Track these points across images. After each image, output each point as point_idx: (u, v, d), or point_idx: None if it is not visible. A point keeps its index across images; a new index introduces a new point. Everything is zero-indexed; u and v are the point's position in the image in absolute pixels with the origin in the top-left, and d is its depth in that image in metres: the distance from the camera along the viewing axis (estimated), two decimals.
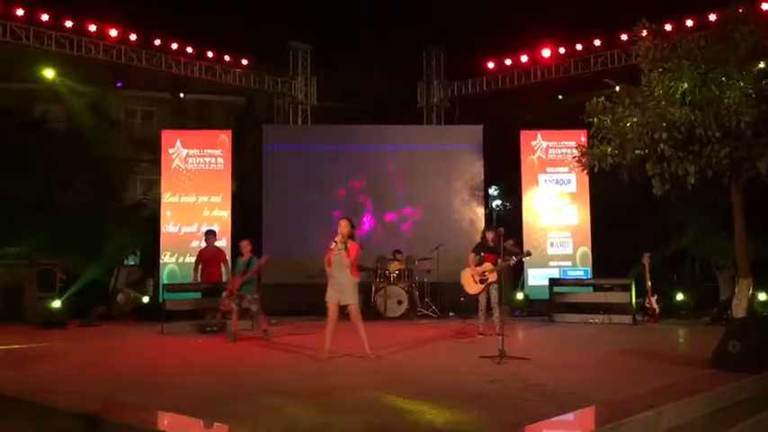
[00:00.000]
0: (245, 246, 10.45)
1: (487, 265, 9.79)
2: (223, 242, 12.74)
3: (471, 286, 9.99)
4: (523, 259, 10.90)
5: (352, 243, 7.97)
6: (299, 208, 14.66)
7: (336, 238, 7.90)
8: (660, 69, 9.68)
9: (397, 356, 8.34)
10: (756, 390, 6.32)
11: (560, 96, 15.95)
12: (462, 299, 11.56)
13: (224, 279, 11.83)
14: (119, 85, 16.33)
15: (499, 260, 9.67)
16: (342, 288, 7.91)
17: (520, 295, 13.62)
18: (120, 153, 18.30)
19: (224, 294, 10.56)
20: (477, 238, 13.13)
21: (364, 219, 14.82)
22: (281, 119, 17.54)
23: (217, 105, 22.07)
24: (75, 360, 8.45)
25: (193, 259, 12.77)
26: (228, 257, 12.29)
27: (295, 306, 13.19)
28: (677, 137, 9.20)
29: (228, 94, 20.61)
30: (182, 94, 16.95)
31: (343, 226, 7.98)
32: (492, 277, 9.75)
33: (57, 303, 12.20)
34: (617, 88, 10.28)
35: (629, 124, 9.59)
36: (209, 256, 11.92)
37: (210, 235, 12.04)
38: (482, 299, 9.97)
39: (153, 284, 14.36)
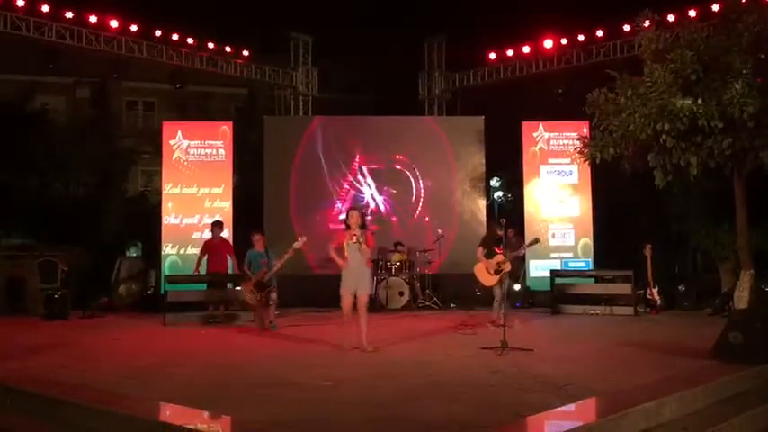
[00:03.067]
0: (259, 238, 10.46)
1: (500, 257, 9.85)
2: (225, 233, 12.73)
3: (486, 278, 10.05)
4: (533, 246, 10.99)
5: (367, 233, 8.07)
6: (301, 199, 14.65)
7: (355, 232, 7.94)
8: (663, 60, 9.64)
9: (398, 348, 8.36)
10: (758, 381, 6.33)
11: (560, 90, 15.88)
12: (479, 293, 11.52)
13: (230, 271, 11.83)
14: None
15: (508, 251, 9.73)
16: (359, 279, 7.96)
17: (516, 287, 13.57)
18: (121, 144, 18.29)
19: (246, 287, 10.33)
20: (479, 230, 13.19)
21: (366, 210, 14.82)
22: (283, 110, 17.50)
23: (218, 97, 22.04)
24: (77, 351, 8.46)
25: (195, 251, 12.80)
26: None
27: (298, 297, 13.20)
28: (679, 128, 9.17)
29: (230, 86, 20.57)
30: (178, 85, 16.90)
31: (356, 217, 8.06)
32: (507, 267, 9.84)
33: (58, 295, 12.21)
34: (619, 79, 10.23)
35: (631, 115, 9.56)
36: (214, 248, 11.94)
37: (217, 226, 12.07)
38: (497, 290, 10.00)
39: (155, 276, 14.36)
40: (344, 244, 8.00)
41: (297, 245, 9.69)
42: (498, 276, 9.92)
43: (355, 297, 7.99)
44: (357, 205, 8.97)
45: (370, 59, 19.21)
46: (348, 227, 8.05)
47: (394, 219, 14.91)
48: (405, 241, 14.02)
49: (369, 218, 14.64)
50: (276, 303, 10.37)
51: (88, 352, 8.43)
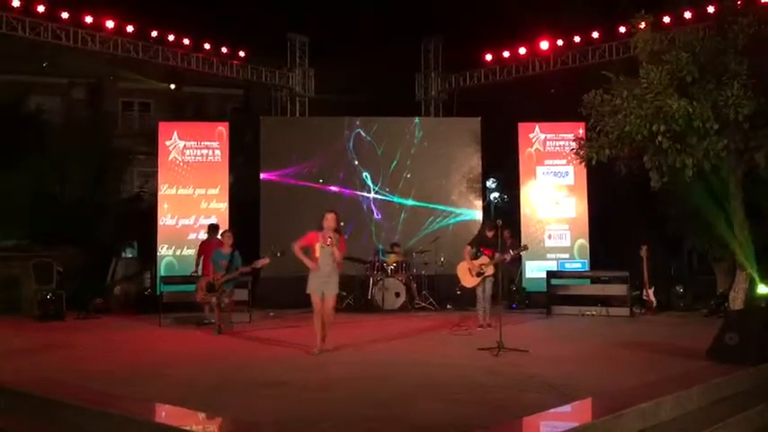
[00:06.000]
0: (229, 237, 10.37)
1: (484, 259, 9.82)
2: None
3: (467, 279, 10.03)
4: (521, 253, 10.96)
5: (340, 237, 8.01)
6: (297, 200, 14.62)
7: (330, 234, 7.88)
8: (658, 61, 9.66)
9: (394, 349, 8.37)
10: (753, 381, 6.35)
11: (555, 91, 15.91)
12: (458, 291, 11.59)
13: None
14: None
15: (496, 254, 9.70)
16: (327, 281, 7.92)
17: (513, 287, 13.59)
18: (117, 145, 18.25)
19: (198, 285, 10.36)
20: (475, 231, 13.14)
21: (363, 210, 14.83)
22: (279, 111, 17.49)
23: (214, 97, 22.01)
24: (73, 352, 8.45)
25: (191, 252, 12.81)
26: None
27: (293, 299, 13.13)
28: (675, 129, 9.19)
29: (226, 86, 20.55)
30: (172, 86, 16.89)
31: (332, 220, 7.98)
32: (489, 271, 9.80)
33: (54, 296, 12.18)
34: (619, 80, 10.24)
35: (626, 116, 9.58)
36: (211, 248, 11.91)
37: (213, 230, 12.07)
38: (479, 292, 10.00)
39: (150, 277, 14.35)
40: (317, 246, 7.90)
41: (257, 264, 9.75)
42: (479, 279, 9.91)
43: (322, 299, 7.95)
44: (333, 208, 8.87)
45: (366, 60, 19.18)
46: (321, 228, 7.96)
47: (389, 219, 14.90)
48: (400, 242, 14.02)
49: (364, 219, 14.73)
50: (230, 309, 10.30)
51: (83, 353, 8.42)
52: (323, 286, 7.91)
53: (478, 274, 9.87)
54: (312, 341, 7.97)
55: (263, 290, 13.57)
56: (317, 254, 7.89)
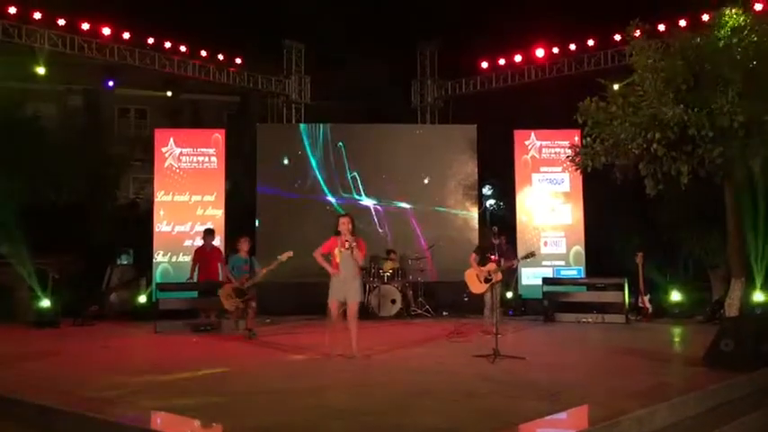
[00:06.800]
0: (246, 243, 10.41)
1: (492, 265, 9.86)
2: (217, 241, 12.72)
3: (476, 285, 10.10)
4: (528, 259, 10.96)
5: (359, 241, 7.98)
6: (293, 207, 14.63)
7: (347, 238, 7.86)
8: (654, 69, 9.70)
9: (389, 356, 8.35)
10: (749, 388, 6.35)
11: (552, 99, 15.95)
12: (466, 298, 11.58)
13: (220, 279, 11.78)
14: (110, 85, 16.20)
15: (503, 261, 9.76)
16: (349, 286, 7.90)
17: (509, 294, 13.60)
18: (113, 152, 18.22)
19: (224, 292, 10.35)
20: (472, 238, 13.21)
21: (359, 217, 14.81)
22: (275, 118, 17.50)
23: (210, 104, 22.00)
24: (67, 359, 8.42)
25: (187, 258, 12.77)
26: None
27: (289, 305, 13.17)
28: (670, 137, 9.22)
29: (222, 93, 20.56)
30: (169, 93, 16.89)
31: (348, 223, 7.95)
32: (497, 277, 9.85)
33: (49, 303, 12.15)
34: (615, 87, 10.28)
35: (622, 124, 9.61)
36: (206, 255, 11.91)
37: (209, 234, 12.06)
38: (488, 298, 10.05)
39: (146, 284, 14.31)
40: (336, 251, 7.91)
41: (281, 258, 9.63)
42: (487, 285, 9.94)
43: (344, 305, 7.94)
44: (348, 212, 8.88)
45: (362, 67, 19.23)
46: (338, 233, 7.97)
47: (385, 226, 14.90)
48: (396, 249, 14.02)
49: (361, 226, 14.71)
50: (255, 311, 10.34)
51: (78, 360, 8.39)
52: (344, 292, 7.89)
53: (486, 280, 9.93)
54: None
55: (260, 296, 13.53)
56: (337, 259, 7.88)
